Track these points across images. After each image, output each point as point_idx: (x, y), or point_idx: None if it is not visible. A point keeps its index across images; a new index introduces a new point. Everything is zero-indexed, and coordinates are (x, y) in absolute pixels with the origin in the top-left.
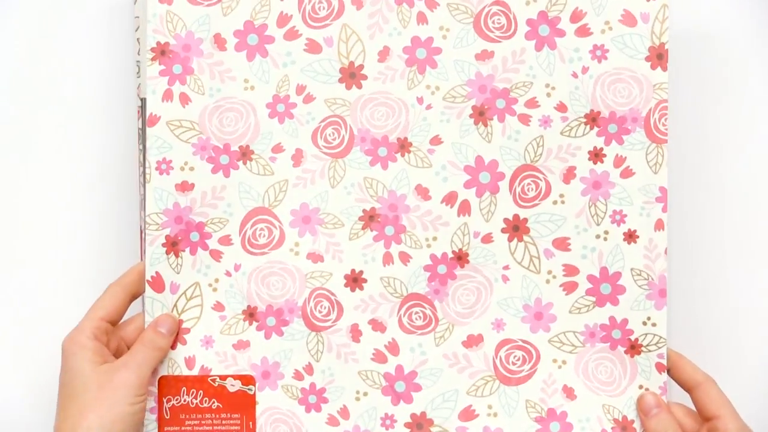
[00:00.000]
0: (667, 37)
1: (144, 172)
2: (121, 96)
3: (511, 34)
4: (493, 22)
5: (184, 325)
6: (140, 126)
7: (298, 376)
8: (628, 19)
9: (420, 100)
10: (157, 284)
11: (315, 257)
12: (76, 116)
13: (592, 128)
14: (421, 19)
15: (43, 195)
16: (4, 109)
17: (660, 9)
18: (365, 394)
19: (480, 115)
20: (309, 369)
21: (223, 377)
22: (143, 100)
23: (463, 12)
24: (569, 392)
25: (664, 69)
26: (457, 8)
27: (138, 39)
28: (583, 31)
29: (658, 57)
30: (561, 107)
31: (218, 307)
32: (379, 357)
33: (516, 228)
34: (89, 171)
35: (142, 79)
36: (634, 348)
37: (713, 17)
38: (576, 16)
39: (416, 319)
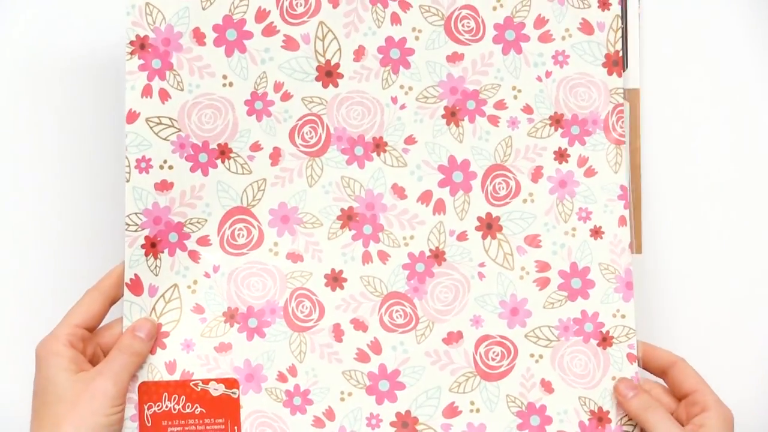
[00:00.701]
0: (621, 45)
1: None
2: (121, 96)
3: (479, 37)
4: (463, 26)
5: (163, 329)
6: None
7: (281, 378)
8: (586, 27)
9: (394, 100)
10: (136, 287)
11: (294, 257)
12: (75, 116)
13: (556, 129)
14: (395, 19)
15: (38, 195)
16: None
17: (613, 19)
18: (350, 394)
19: (452, 115)
20: (293, 370)
21: (206, 381)
22: None
23: (434, 14)
24: (547, 386)
25: (619, 75)
26: (428, 10)
27: None
28: (546, 37)
29: (614, 64)
30: (527, 109)
31: (198, 309)
32: (362, 356)
33: (489, 226)
34: (88, 171)
35: None
36: (605, 340)
37: (686, 17)
38: (539, 22)
39: (397, 317)
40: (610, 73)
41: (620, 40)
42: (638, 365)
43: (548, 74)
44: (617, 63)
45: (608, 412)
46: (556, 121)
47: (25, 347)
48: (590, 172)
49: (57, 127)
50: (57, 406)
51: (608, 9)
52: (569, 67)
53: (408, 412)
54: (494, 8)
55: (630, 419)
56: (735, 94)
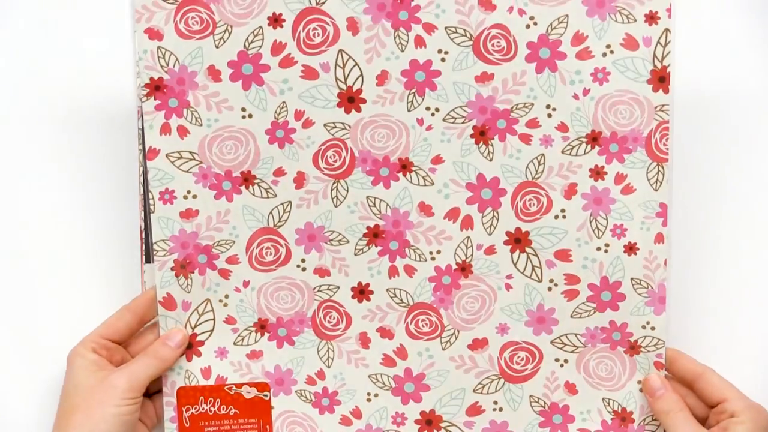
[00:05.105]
0: (669, 61)
1: (146, 203)
2: (121, 96)
3: (511, 56)
4: (493, 45)
5: (198, 338)
6: (140, 126)
7: (310, 381)
8: (630, 43)
9: (420, 122)
10: (169, 303)
11: (322, 272)
12: (76, 116)
13: (593, 147)
14: (419, 42)
15: (42, 196)
16: (1, 109)
17: (662, 33)
18: (376, 395)
19: (481, 135)
20: (321, 374)
21: (239, 385)
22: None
23: (462, 35)
24: (571, 388)
25: (666, 92)
26: (455, 31)
27: None
28: (584, 54)
29: (660, 80)
30: (562, 127)
31: (230, 320)
32: (388, 361)
33: (518, 240)
34: (89, 171)
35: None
36: (633, 348)
37: (717, 38)
38: (577, 39)
39: (423, 325)
40: (655, 90)
41: (669, 54)
42: (665, 373)
43: (586, 92)
44: (664, 79)
45: (632, 412)
46: (593, 139)
47: (41, 353)
48: (628, 190)
49: (77, 128)
50: (74, 399)
51: (656, 23)
52: (609, 85)
53: (432, 410)
54: (527, 26)
55: (653, 419)
56: (762, 100)
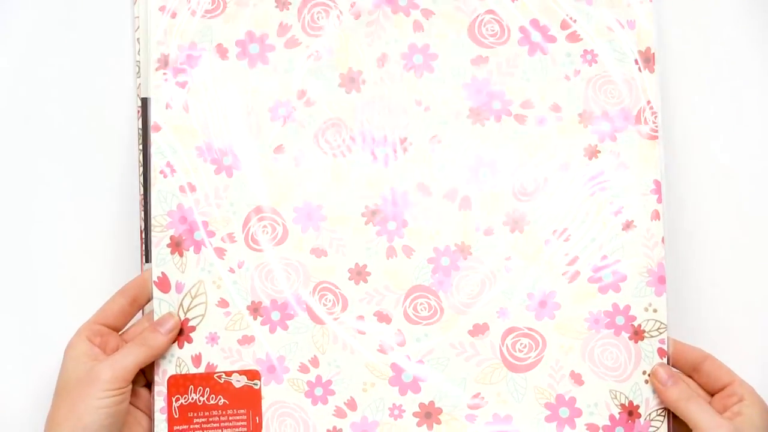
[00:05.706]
0: (654, 42)
1: (148, 176)
2: (121, 96)
3: (504, 40)
4: (487, 29)
5: (189, 324)
6: (140, 126)
7: (303, 369)
8: (616, 26)
9: (418, 103)
10: (164, 285)
11: (318, 252)
12: (76, 116)
13: (585, 127)
14: (418, 27)
15: (43, 196)
16: (3, 109)
17: (646, 15)
18: (372, 385)
19: (477, 116)
20: (315, 362)
21: (229, 373)
22: (143, 100)
23: (458, 21)
24: (577, 378)
25: (652, 71)
26: (451, 17)
27: (138, 39)
28: (574, 38)
29: (646, 60)
30: (555, 108)
31: (222, 303)
32: (385, 348)
33: (516, 221)
34: (89, 171)
35: (143, 80)
36: (637, 334)
37: (705, 15)
38: (566, 23)
39: (421, 309)
40: (641, 70)
41: (653, 35)
42: (668, 361)
43: (577, 73)
44: (649, 60)
45: (638, 406)
46: (586, 118)
47: (43, 346)
48: (621, 167)
49: (77, 127)
50: (62, 392)
51: (640, 5)
52: (598, 66)
53: (432, 402)
54: (519, 11)
55: (660, 413)
56: (759, 86)
